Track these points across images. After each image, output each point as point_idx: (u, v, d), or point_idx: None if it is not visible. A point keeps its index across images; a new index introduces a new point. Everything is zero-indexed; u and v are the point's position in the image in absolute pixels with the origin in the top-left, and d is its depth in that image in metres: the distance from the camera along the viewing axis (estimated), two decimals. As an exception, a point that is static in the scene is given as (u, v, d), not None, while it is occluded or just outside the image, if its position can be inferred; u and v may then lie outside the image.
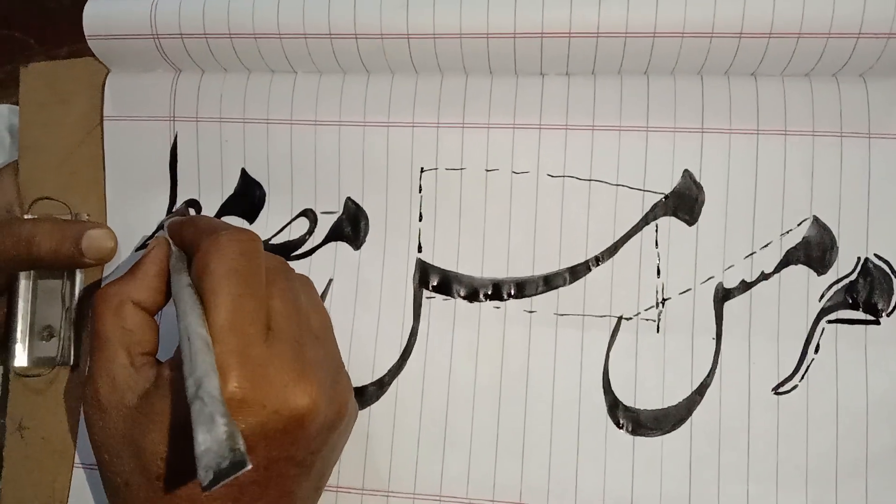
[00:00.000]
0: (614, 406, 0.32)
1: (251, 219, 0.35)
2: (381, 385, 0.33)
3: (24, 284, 0.35)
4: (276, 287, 0.28)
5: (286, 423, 0.26)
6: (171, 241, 0.30)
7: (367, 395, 0.33)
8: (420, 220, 0.34)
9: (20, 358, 0.35)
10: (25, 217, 0.35)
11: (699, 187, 0.32)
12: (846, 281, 0.31)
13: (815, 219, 0.31)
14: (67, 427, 0.35)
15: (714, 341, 0.31)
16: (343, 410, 0.28)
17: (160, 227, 0.33)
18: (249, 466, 0.21)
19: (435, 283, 0.33)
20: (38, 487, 0.35)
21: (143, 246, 0.35)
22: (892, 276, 0.31)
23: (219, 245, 0.27)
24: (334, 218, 0.34)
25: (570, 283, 0.32)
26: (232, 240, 0.27)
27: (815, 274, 0.31)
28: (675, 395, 0.31)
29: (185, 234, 0.29)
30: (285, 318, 0.27)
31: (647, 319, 0.32)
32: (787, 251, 0.31)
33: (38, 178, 0.36)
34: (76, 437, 0.35)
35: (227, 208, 0.35)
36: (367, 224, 0.34)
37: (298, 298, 0.29)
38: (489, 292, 0.33)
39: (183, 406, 0.24)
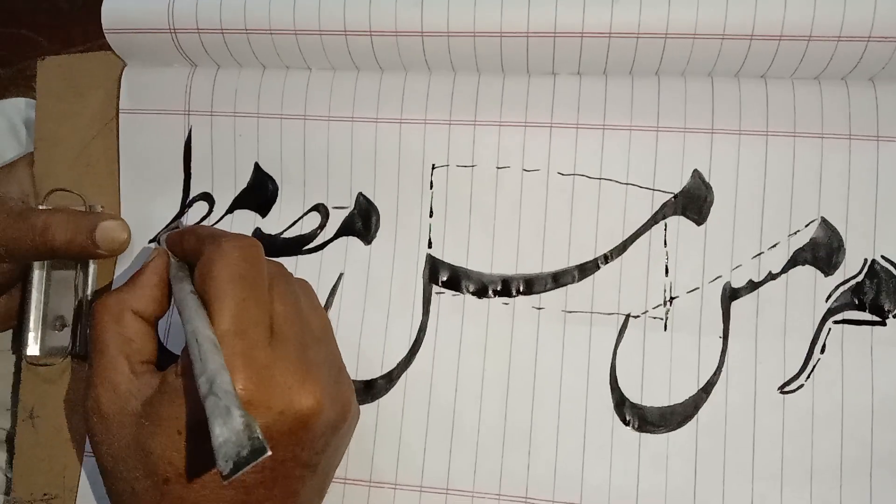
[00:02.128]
0: (621, 403, 0.32)
1: (263, 212, 0.35)
2: (390, 379, 0.33)
3: (37, 275, 0.35)
4: (276, 291, 0.28)
5: (292, 424, 0.26)
6: (169, 253, 0.30)
7: (376, 388, 0.33)
8: (431, 216, 0.34)
9: (33, 347, 0.35)
10: (41, 208, 0.35)
11: (708, 187, 0.32)
12: (853, 282, 0.31)
13: (823, 220, 0.32)
14: (79, 416, 0.35)
15: (721, 340, 0.32)
16: (346, 410, 0.29)
17: (157, 240, 0.34)
18: (269, 453, 0.21)
19: (444, 279, 0.34)
20: (48, 475, 0.35)
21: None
22: (899, 278, 0.31)
23: (222, 251, 0.27)
24: (346, 213, 0.35)
25: (579, 280, 0.33)
26: (234, 246, 0.27)
27: (822, 275, 0.32)
28: (681, 393, 0.32)
29: (185, 243, 0.30)
30: (287, 322, 0.27)
31: (654, 317, 0.32)
32: (795, 252, 0.32)
33: (53, 170, 0.37)
34: (87, 426, 0.35)
35: (239, 202, 0.35)
36: (378, 219, 0.34)
37: (299, 301, 0.29)
38: (498, 288, 0.33)
39: (192, 410, 0.25)
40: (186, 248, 0.30)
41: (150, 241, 0.35)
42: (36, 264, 0.35)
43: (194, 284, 0.27)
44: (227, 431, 0.21)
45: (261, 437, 0.21)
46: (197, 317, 0.25)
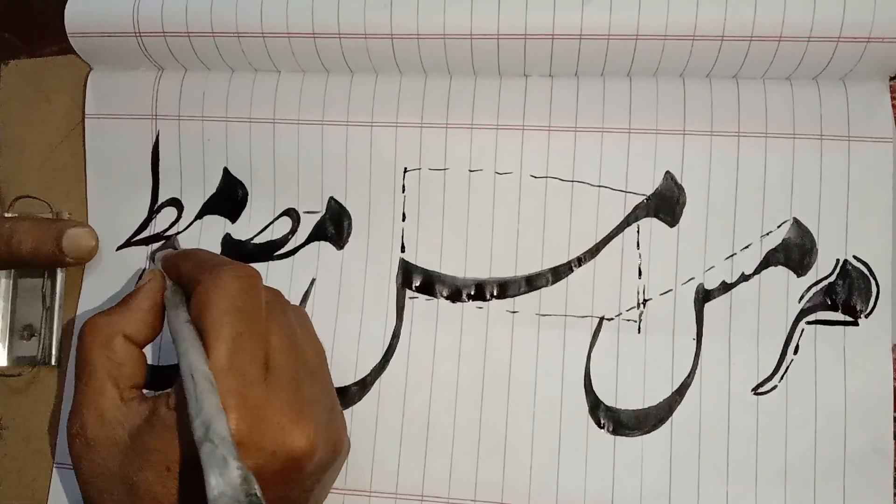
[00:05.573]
0: (595, 406, 0.32)
1: (233, 218, 0.35)
2: (364, 385, 0.33)
3: (4, 283, 0.34)
4: (273, 322, 0.27)
5: (283, 465, 0.25)
6: (165, 275, 0.29)
7: (350, 395, 0.33)
8: (403, 220, 0.34)
9: (0, 357, 0.34)
10: (6, 215, 0.34)
11: (680, 189, 0.32)
12: (825, 282, 0.31)
13: (795, 221, 0.32)
14: (47, 427, 0.35)
15: (694, 342, 0.32)
16: (338, 448, 0.28)
17: (151, 258, 0.33)
18: None
19: (418, 284, 0.33)
20: (18, 487, 0.34)
21: (139, 277, 0.35)
22: (871, 278, 0.31)
23: (220, 281, 0.26)
24: (317, 218, 0.34)
25: (553, 283, 0.33)
26: (233, 276, 0.26)
27: (795, 275, 0.32)
28: (655, 396, 0.32)
29: (182, 267, 0.29)
30: (283, 356, 0.27)
31: (628, 320, 0.32)
32: (767, 253, 0.32)
33: (19, 177, 0.36)
34: (56, 437, 0.34)
35: (209, 207, 0.35)
36: (350, 224, 0.34)
37: (295, 333, 0.28)
38: (472, 292, 0.33)
39: (183, 447, 0.24)
40: (183, 273, 0.29)
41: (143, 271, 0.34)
42: (2, 273, 0.34)
43: (190, 313, 0.26)
44: (223, 483, 0.21)
45: (259, 494, 0.21)
46: (193, 350, 0.24)
